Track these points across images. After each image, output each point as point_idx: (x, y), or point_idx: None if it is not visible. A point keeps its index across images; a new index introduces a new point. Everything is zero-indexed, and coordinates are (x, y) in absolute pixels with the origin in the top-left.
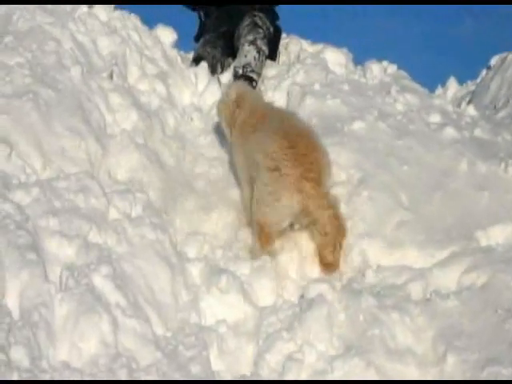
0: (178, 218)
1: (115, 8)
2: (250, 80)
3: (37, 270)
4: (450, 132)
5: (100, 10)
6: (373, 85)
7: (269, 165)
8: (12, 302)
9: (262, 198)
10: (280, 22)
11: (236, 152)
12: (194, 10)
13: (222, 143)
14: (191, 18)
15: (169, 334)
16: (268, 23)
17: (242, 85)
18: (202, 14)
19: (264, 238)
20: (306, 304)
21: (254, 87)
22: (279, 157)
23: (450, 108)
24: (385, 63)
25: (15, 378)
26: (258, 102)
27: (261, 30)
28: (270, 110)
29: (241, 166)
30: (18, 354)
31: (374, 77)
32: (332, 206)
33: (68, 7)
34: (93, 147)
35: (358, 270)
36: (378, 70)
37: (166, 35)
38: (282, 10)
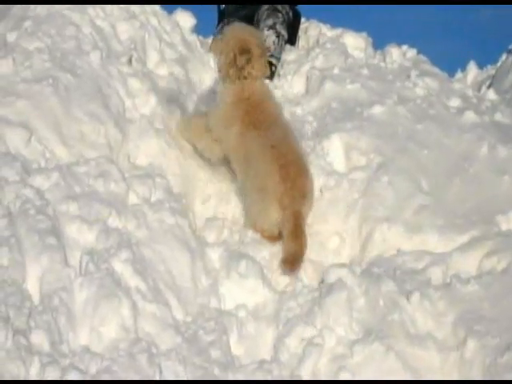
0: (198, 202)
1: None
2: (270, 64)
3: (57, 254)
4: (470, 116)
5: None
6: (392, 69)
7: (258, 185)
8: (32, 287)
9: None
10: (298, 7)
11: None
12: None
13: None
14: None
15: (189, 319)
16: (287, 8)
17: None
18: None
19: (266, 238)
20: (325, 289)
21: (273, 72)
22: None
23: (470, 92)
24: (404, 47)
25: (36, 362)
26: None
27: (280, 15)
28: (276, 116)
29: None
30: (39, 339)
31: (393, 61)
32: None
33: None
34: (112, 132)
35: (377, 254)
36: (398, 55)
37: (185, 20)
38: None
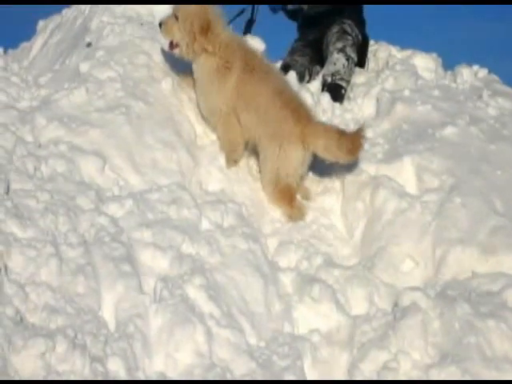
0: (269, 227)
1: None
2: (340, 87)
3: (132, 281)
4: None
5: None
6: (463, 89)
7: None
8: (108, 314)
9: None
10: (367, 29)
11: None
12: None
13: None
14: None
15: (262, 344)
16: (357, 30)
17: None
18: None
19: (290, 199)
20: (399, 312)
21: (343, 95)
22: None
23: None
24: (475, 67)
25: None
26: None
27: (350, 37)
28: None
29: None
30: (115, 366)
31: (464, 81)
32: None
33: (157, 20)
34: (184, 159)
35: (452, 277)
36: (469, 75)
37: (255, 45)
38: (369, 17)
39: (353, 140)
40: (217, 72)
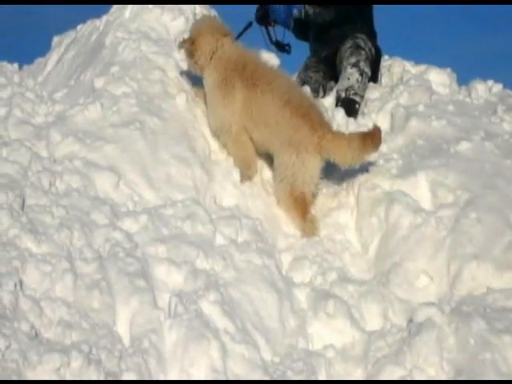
0: (284, 242)
1: None
2: (354, 102)
3: (146, 296)
4: None
5: None
6: (478, 105)
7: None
8: (123, 329)
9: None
10: (379, 42)
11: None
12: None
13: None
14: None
15: (277, 360)
16: (370, 44)
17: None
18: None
19: (303, 210)
20: (414, 328)
21: (357, 110)
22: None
23: None
24: (490, 82)
25: None
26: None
27: (363, 52)
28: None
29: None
30: None
31: (479, 96)
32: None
33: (172, 36)
34: (198, 174)
35: (467, 292)
36: (483, 90)
37: (270, 61)
38: (384, 32)
39: (372, 136)
40: (219, 89)
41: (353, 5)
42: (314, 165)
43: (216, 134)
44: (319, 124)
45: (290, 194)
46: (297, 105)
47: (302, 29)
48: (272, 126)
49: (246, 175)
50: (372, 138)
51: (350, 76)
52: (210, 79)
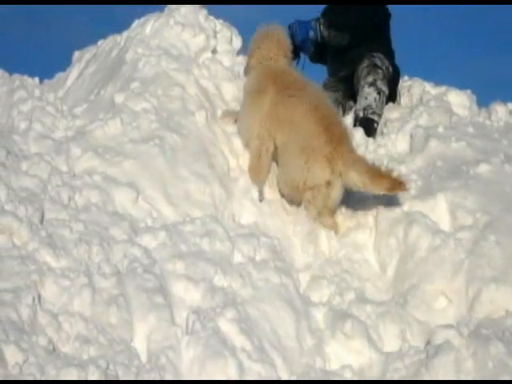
0: (301, 261)
1: (237, 54)
2: (372, 121)
3: (164, 313)
4: None
5: (223, 56)
6: (498, 127)
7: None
8: (140, 345)
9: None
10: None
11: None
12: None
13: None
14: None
15: (294, 379)
16: (387, 62)
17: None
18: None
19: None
20: (432, 350)
21: (375, 129)
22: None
23: None
24: (510, 105)
25: None
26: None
27: (380, 71)
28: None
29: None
30: None
31: (499, 119)
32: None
33: (192, 53)
34: (217, 191)
35: (485, 315)
36: (504, 112)
37: None
38: (402, 53)
39: (391, 181)
40: (252, 92)
41: (369, 27)
42: (321, 175)
43: (242, 138)
44: (338, 138)
45: (291, 185)
46: (323, 114)
47: (317, 51)
48: (294, 127)
49: (254, 180)
50: (390, 182)
51: (368, 95)
52: (248, 82)
